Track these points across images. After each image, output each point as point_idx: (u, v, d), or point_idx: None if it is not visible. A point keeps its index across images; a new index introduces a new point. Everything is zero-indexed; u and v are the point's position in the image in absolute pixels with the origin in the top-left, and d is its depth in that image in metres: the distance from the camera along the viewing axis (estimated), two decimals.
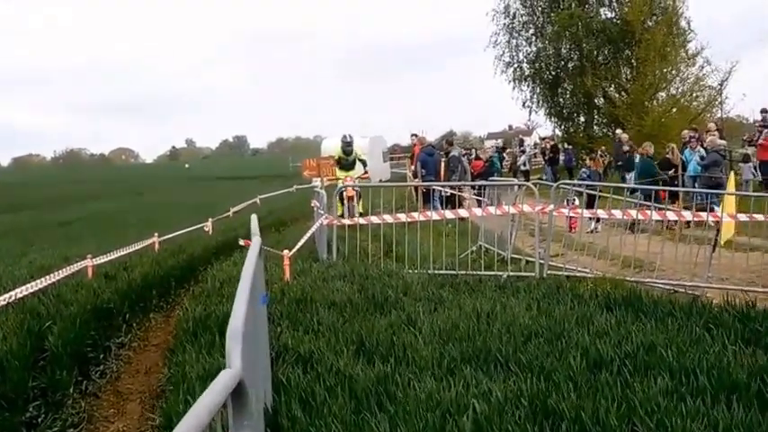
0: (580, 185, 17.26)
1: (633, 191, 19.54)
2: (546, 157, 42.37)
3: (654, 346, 6.73)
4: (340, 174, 21.11)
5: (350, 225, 13.47)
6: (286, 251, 10.84)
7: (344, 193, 18.76)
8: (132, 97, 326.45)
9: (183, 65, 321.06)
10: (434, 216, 13.61)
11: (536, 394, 5.53)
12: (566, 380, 5.89)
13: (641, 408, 5.21)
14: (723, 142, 23.15)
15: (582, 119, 48.84)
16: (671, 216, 13.44)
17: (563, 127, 49.30)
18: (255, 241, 6.05)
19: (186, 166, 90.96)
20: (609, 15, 47.19)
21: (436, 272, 11.57)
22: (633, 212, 12.93)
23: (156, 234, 14.68)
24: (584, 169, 26.72)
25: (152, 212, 28.81)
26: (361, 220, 13.72)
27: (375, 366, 6.42)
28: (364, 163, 22.03)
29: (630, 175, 29.75)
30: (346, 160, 21.44)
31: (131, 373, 8.75)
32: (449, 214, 14.30)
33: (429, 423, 5.13)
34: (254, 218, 7.64)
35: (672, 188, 20.10)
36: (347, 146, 21.42)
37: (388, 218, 13.44)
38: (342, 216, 16.50)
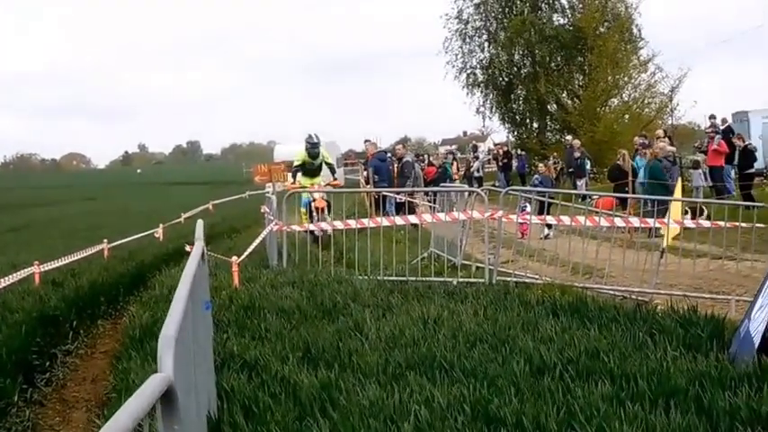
0: (529, 192, 17.37)
1: (584, 197, 19.75)
2: (499, 164, 42.62)
3: (597, 352, 6.80)
4: (304, 181, 18.08)
5: (300, 231, 13.45)
6: (235, 258, 10.81)
7: (312, 204, 16.51)
8: (84, 102, 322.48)
9: (135, 69, 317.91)
10: (385, 222, 13.59)
11: (478, 400, 5.57)
12: (509, 385, 5.94)
13: (581, 413, 5.26)
14: (672, 149, 23.42)
15: (535, 125, 49.23)
16: (619, 223, 13.56)
17: (516, 133, 49.65)
18: (198, 247, 6.01)
19: (138, 171, 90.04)
20: (561, 22, 47.67)
21: (386, 278, 11.56)
22: (582, 219, 13.04)
23: (105, 241, 14.54)
24: (536, 175, 26.93)
25: (103, 218, 28.52)
26: (311, 227, 13.67)
27: (320, 373, 6.42)
28: (332, 168, 18.84)
29: (582, 182, 30.10)
30: (312, 164, 18.18)
31: (78, 381, 8.69)
32: (399, 221, 14.31)
33: (371, 429, 5.15)
34: (199, 223, 7.59)
35: (621, 195, 20.35)
36: (313, 147, 18.02)
37: (339, 224, 13.43)
38: (311, 233, 15.29)
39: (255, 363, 6.87)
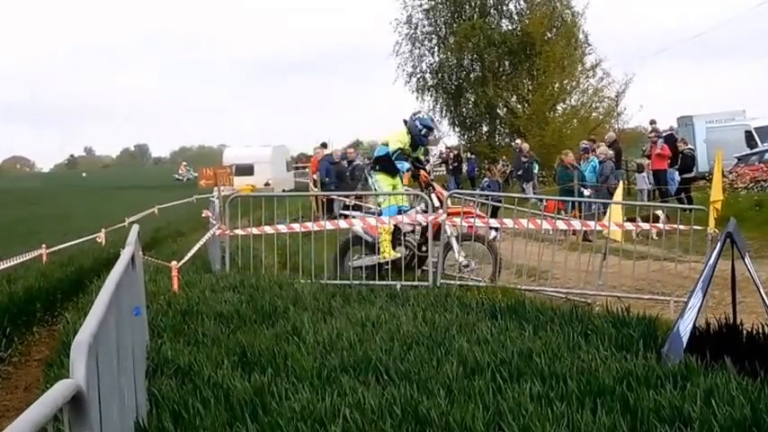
0: (474, 195, 17.46)
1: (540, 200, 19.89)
2: (449, 167, 42.76)
3: (530, 353, 6.85)
4: (383, 181, 13.04)
5: (243, 235, 13.34)
6: (174, 262, 10.73)
7: (419, 220, 12.37)
8: (28, 103, 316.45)
9: (81, 70, 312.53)
10: (328, 226, 13.53)
11: (409, 402, 5.58)
12: (441, 387, 5.96)
13: (510, 413, 5.30)
14: (610, 152, 23.75)
15: (485, 129, 49.62)
16: (561, 225, 13.69)
17: (466, 137, 49.94)
18: (127, 251, 5.96)
19: (83, 174, 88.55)
20: (510, 27, 48.14)
21: (329, 282, 11.53)
22: (524, 222, 13.12)
23: (43, 245, 14.34)
24: (485, 179, 27.12)
25: (44, 223, 28.08)
26: (254, 230, 13.56)
27: (254, 377, 6.39)
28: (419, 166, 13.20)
29: (528, 185, 30.34)
30: (404, 157, 12.72)
31: (9, 390, 8.55)
32: (343, 224, 14.30)
33: None
34: (134, 228, 7.53)
35: (566, 198, 20.53)
36: (424, 135, 12.85)
37: (282, 228, 13.37)
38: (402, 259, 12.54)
39: (189, 368, 6.82)
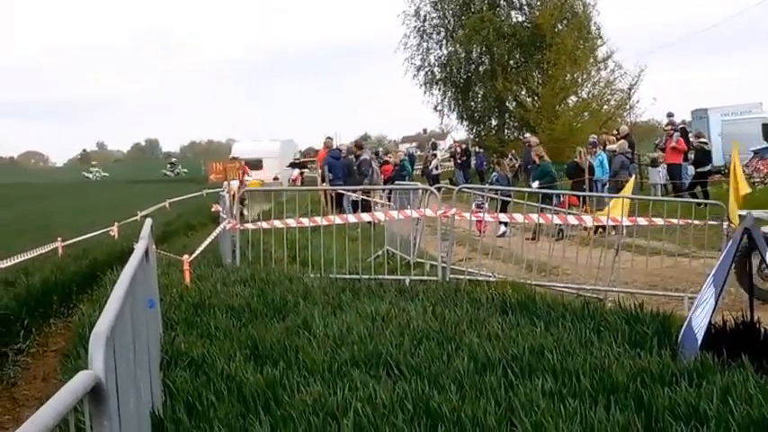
0: (482, 189, 17.41)
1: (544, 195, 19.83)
2: (458, 161, 42.63)
3: (542, 349, 6.84)
4: None
5: (254, 229, 13.36)
6: (186, 256, 10.77)
7: None
8: (42, 99, 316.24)
9: (93, 66, 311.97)
10: (337, 220, 13.55)
11: (420, 396, 5.59)
12: (452, 382, 5.97)
13: (522, 409, 5.30)
14: (614, 147, 23.64)
15: (494, 122, 49.25)
16: (571, 220, 13.67)
17: (474, 130, 49.65)
18: (141, 245, 5.98)
19: (96, 169, 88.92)
20: (520, 19, 47.81)
21: (338, 276, 11.53)
22: (534, 216, 13.12)
23: (59, 239, 14.43)
24: (494, 173, 27.01)
25: (58, 217, 28.15)
26: (264, 224, 13.58)
27: (266, 370, 6.41)
28: None
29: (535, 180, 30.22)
30: None
31: (28, 380, 8.67)
32: (352, 218, 14.30)
33: (312, 426, 5.16)
34: (147, 222, 7.56)
35: (572, 192, 20.48)
36: None
37: (292, 222, 13.38)
38: None
39: (202, 361, 6.85)
